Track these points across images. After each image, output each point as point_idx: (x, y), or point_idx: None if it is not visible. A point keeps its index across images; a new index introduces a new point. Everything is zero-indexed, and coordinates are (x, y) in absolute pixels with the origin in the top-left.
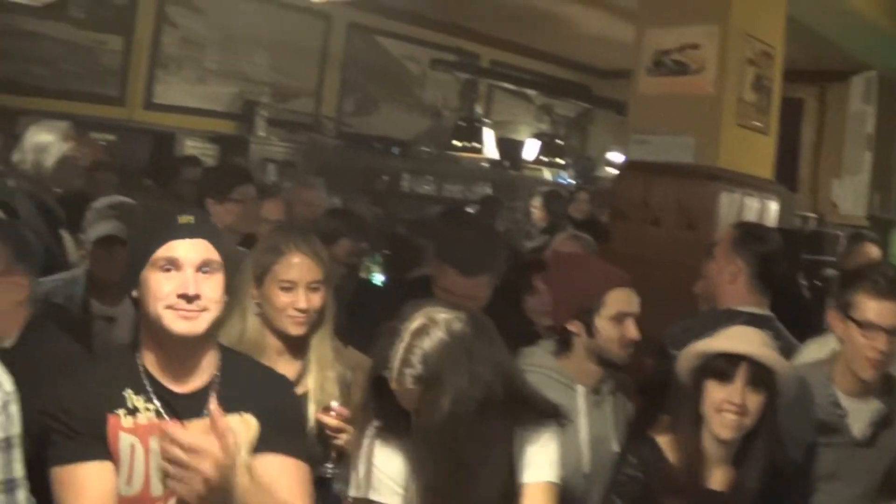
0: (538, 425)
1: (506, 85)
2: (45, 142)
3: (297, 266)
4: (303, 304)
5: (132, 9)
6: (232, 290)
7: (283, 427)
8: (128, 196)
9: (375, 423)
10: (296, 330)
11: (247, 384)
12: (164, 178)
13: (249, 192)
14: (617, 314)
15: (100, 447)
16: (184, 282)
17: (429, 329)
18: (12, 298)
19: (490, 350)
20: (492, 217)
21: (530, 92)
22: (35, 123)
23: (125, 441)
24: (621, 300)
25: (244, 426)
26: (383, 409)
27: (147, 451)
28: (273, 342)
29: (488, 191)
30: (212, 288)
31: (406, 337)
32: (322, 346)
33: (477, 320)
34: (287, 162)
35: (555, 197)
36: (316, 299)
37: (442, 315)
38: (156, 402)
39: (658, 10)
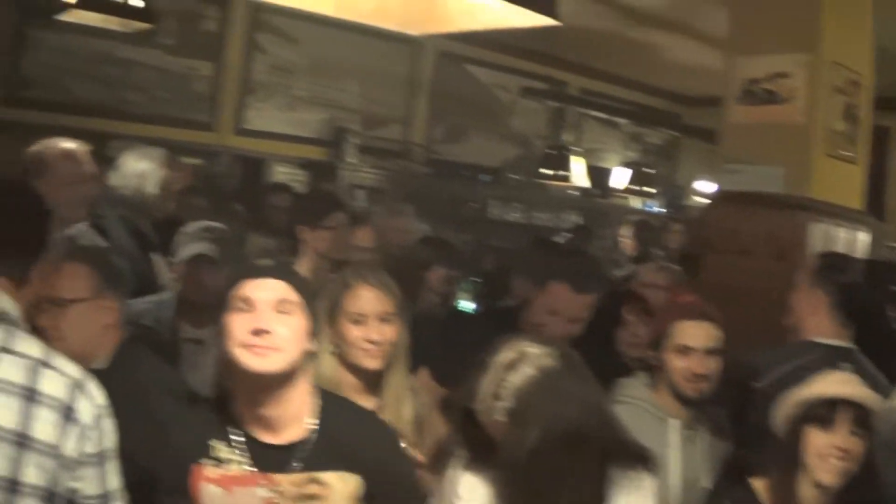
0: (629, 467)
1: (595, 113)
2: (144, 168)
3: (367, 298)
4: (375, 336)
5: (222, 35)
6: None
7: (390, 487)
8: (218, 221)
9: (462, 453)
10: (370, 363)
11: (348, 438)
12: (253, 203)
13: (341, 218)
14: (681, 347)
15: (180, 499)
16: (256, 319)
17: (519, 364)
18: (102, 322)
19: (580, 387)
20: (582, 245)
21: (619, 120)
22: (130, 149)
23: (208, 491)
24: (687, 333)
25: (342, 485)
26: (470, 440)
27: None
28: (349, 379)
29: (577, 219)
30: (287, 327)
31: (496, 370)
32: (397, 381)
33: (568, 357)
34: (376, 189)
35: (644, 226)
36: (388, 331)
37: (533, 350)
38: (244, 453)
39: (748, 38)
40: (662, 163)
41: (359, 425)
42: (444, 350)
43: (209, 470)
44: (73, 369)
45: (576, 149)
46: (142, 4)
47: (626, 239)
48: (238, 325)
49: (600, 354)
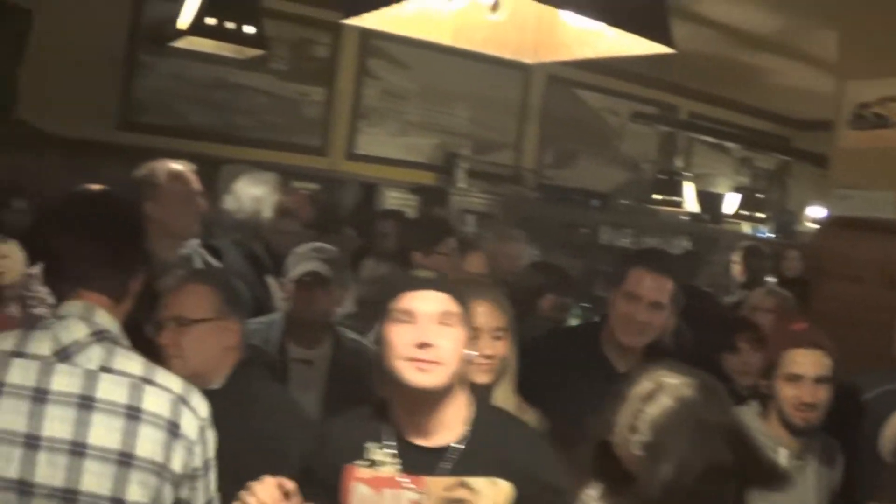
0: (767, 488)
1: (705, 137)
2: (258, 193)
3: (480, 313)
4: (487, 351)
5: (334, 61)
6: None
7: (540, 497)
8: (330, 245)
9: (598, 485)
10: (481, 377)
11: (500, 444)
12: (365, 228)
13: (452, 244)
14: (791, 375)
15: (330, 498)
16: (420, 332)
17: (657, 395)
18: (223, 342)
19: (719, 417)
20: (692, 271)
21: (730, 145)
22: (245, 174)
23: (359, 490)
24: (797, 361)
25: (493, 491)
26: (607, 472)
27: (382, 502)
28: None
29: (687, 244)
30: (450, 340)
31: (633, 402)
32: (505, 397)
33: (707, 386)
34: (486, 214)
35: (754, 252)
36: (499, 347)
37: (671, 380)
38: (396, 455)
39: (858, 62)
40: (773, 188)
41: (512, 433)
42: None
43: (361, 471)
44: (175, 384)
45: (687, 174)
46: (254, 31)
47: (737, 264)
48: (400, 338)
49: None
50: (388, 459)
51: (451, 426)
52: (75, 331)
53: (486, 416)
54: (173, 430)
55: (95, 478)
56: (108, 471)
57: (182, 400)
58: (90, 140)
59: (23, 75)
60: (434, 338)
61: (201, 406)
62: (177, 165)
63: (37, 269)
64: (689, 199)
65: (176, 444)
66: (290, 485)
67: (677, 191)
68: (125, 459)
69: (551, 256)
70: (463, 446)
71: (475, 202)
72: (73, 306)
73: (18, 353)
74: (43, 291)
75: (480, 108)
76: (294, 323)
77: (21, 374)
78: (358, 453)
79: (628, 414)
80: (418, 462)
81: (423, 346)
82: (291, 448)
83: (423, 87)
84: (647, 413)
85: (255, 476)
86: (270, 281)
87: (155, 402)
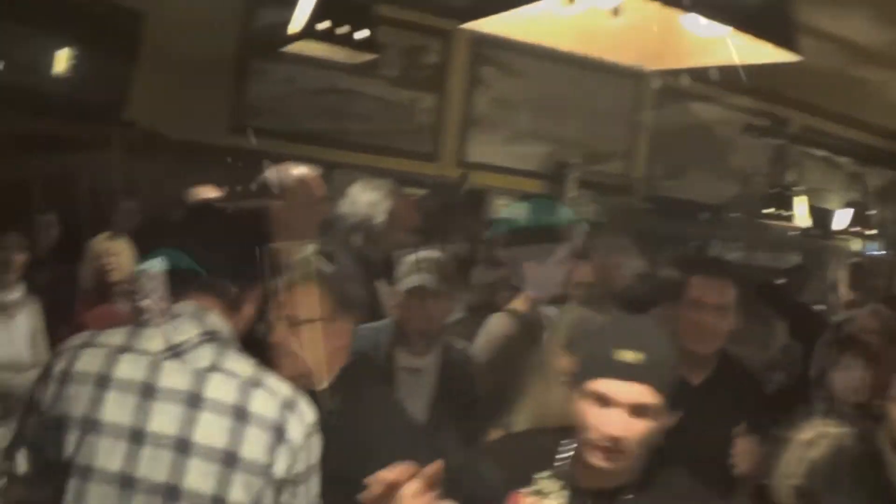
0: None
1: (817, 151)
2: (372, 198)
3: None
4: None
5: (445, 68)
6: (534, 358)
7: None
8: (440, 252)
9: None
10: None
11: (664, 494)
12: (475, 235)
13: (563, 254)
14: None
15: None
16: (612, 423)
17: (818, 443)
18: (334, 344)
19: (876, 473)
20: (800, 286)
21: (841, 159)
22: (359, 179)
23: None
24: None
25: None
26: None
27: None
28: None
29: (797, 259)
30: (640, 433)
31: (794, 448)
32: None
33: (868, 439)
34: (596, 223)
35: (862, 268)
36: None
37: (832, 430)
38: (564, 492)
39: None
40: (884, 204)
41: (677, 481)
42: None
43: (526, 500)
44: (284, 388)
45: (798, 188)
46: (367, 35)
47: (845, 281)
48: (592, 421)
49: (816, 400)
50: (556, 492)
51: (623, 475)
52: (187, 330)
53: (657, 464)
54: (279, 433)
55: (199, 475)
56: (212, 469)
57: (290, 404)
58: (202, 143)
59: (135, 78)
60: (625, 430)
61: (308, 412)
62: (303, 169)
63: (146, 267)
64: (801, 215)
65: (281, 447)
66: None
67: (788, 205)
68: (230, 459)
69: (659, 269)
70: (632, 496)
71: (584, 212)
72: (186, 306)
73: (128, 349)
74: (152, 289)
75: (591, 117)
76: (403, 331)
77: (130, 368)
78: (526, 482)
79: (788, 460)
80: (588, 501)
81: (612, 440)
82: (396, 451)
83: (533, 95)
84: (806, 459)
85: (359, 479)
86: (381, 286)
87: (263, 404)
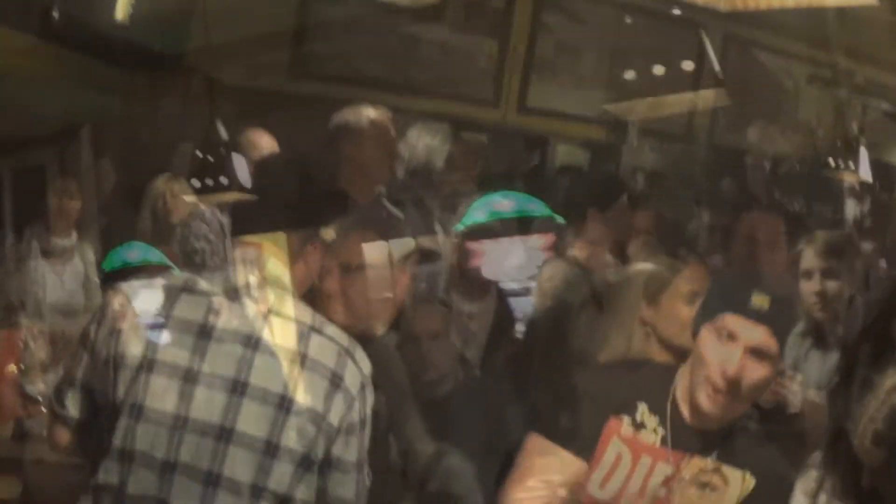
0: None
1: (882, 104)
2: (431, 143)
3: (704, 276)
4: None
5: (509, 13)
6: (610, 307)
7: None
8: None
9: (829, 477)
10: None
11: (759, 445)
12: (534, 183)
13: (624, 202)
14: None
15: (585, 444)
16: (732, 360)
17: None
18: (388, 291)
19: None
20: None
21: None
22: (417, 125)
23: (615, 448)
24: None
25: (741, 485)
26: (839, 464)
27: (634, 466)
28: (662, 357)
29: (858, 212)
30: (754, 379)
31: (880, 392)
32: None
33: None
34: (656, 172)
35: None
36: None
37: None
38: (666, 428)
39: None
40: None
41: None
42: None
43: (625, 428)
44: (342, 336)
45: (861, 141)
46: None
47: None
48: (714, 358)
49: (880, 348)
50: (655, 426)
51: (720, 420)
52: (247, 274)
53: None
54: (336, 381)
55: (252, 418)
56: (266, 412)
57: (348, 352)
58: (262, 89)
59: (194, 24)
60: (742, 372)
61: (365, 362)
62: (375, 111)
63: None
64: (864, 168)
65: (337, 395)
66: None
67: (852, 158)
68: (285, 404)
69: (720, 218)
70: (734, 437)
71: (645, 160)
72: (247, 251)
73: (188, 289)
74: (211, 231)
75: (655, 65)
76: (457, 275)
77: (189, 309)
78: (630, 409)
79: (873, 404)
80: (684, 439)
81: (730, 380)
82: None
83: (597, 42)
84: (889, 404)
85: (411, 424)
86: (438, 231)
87: (321, 351)
